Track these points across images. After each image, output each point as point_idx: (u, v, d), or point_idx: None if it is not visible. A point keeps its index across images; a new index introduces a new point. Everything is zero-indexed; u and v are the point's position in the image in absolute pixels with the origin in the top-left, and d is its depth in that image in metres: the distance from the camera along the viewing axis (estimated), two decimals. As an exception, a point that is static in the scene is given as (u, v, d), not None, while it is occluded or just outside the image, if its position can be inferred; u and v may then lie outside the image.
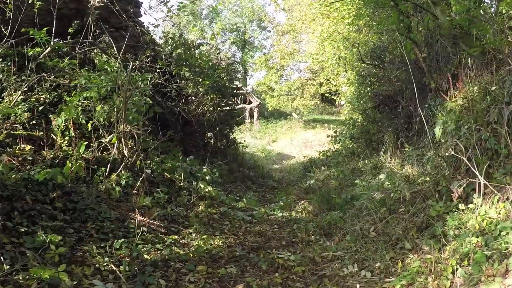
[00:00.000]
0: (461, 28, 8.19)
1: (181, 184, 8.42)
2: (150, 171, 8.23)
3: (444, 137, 8.35)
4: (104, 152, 7.95)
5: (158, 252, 5.61)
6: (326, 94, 28.48)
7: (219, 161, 12.43)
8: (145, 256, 5.36)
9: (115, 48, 9.89)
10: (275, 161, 22.48)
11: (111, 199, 6.88)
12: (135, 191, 7.24)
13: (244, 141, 16.45)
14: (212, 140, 13.35)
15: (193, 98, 11.30)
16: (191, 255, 5.58)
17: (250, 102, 37.67)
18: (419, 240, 5.66)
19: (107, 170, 7.41)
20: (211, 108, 11.84)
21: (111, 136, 7.76)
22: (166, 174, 8.51)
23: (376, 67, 12.96)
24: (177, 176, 8.50)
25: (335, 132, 16.19)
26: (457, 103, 7.27)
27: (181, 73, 10.93)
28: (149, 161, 8.37)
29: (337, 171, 11.90)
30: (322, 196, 8.95)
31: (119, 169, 7.47)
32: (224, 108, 13.25)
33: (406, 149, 10.51)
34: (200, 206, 7.88)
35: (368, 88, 13.42)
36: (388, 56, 12.19)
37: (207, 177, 9.03)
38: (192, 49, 11.13)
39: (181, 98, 10.93)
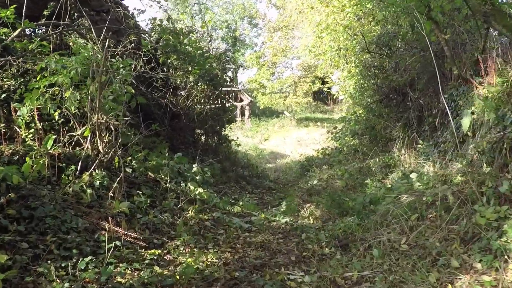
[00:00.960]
0: (492, 4, 7.04)
1: (167, 185, 7.14)
2: (130, 170, 6.95)
3: (471, 129, 7.19)
4: (76, 148, 6.66)
5: (136, 273, 4.33)
6: (325, 89, 27.08)
7: (211, 159, 11.17)
8: (118, 279, 4.09)
9: (94, 32, 8.64)
10: (268, 160, 21.21)
11: (80, 204, 5.60)
12: (111, 194, 5.96)
13: (237, 138, 15.15)
14: (202, 137, 12.06)
15: (182, 90, 10.03)
16: (178, 277, 4.31)
17: (241, 100, 36.36)
18: (467, 256, 4.43)
19: (78, 169, 6.12)
20: (202, 101, 10.56)
21: (84, 128, 6.47)
22: (149, 173, 7.22)
23: (383, 57, 11.74)
24: (163, 176, 7.22)
25: (335, 128, 14.94)
26: (495, 89, 6.07)
27: (169, 61, 9.64)
28: (129, 158, 7.08)
29: (341, 170, 10.69)
30: (332, 199, 7.68)
31: (93, 167, 6.19)
32: (215, 101, 11.97)
33: (420, 145, 9.32)
34: (190, 212, 6.62)
35: (372, 81, 12.20)
36: (398, 43, 10.97)
37: (198, 177, 7.76)
38: (181, 36, 9.84)
39: (169, 88, 9.65)
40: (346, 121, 14.43)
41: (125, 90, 7.18)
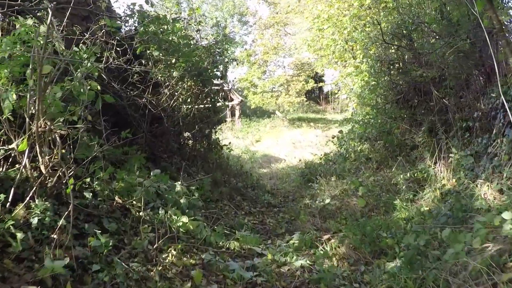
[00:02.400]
0: None
1: (140, 213, 5.22)
2: (90, 194, 5.01)
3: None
4: (12, 167, 4.71)
5: None
6: (322, 85, 24.95)
7: (199, 170, 9.28)
8: None
9: (50, 14, 6.72)
10: (262, 164, 19.32)
11: (4, 257, 3.68)
12: (55, 236, 4.05)
13: (230, 143, 13.23)
14: (190, 142, 10.15)
15: (164, 87, 8.07)
16: None
17: (231, 100, 34.40)
18: None
19: (9, 199, 4.19)
20: (188, 100, 8.61)
21: (20, 140, 4.53)
22: (117, 198, 5.29)
23: (400, 49, 9.89)
24: (135, 202, 5.30)
25: (340, 132, 13.06)
26: None
27: (148, 52, 7.70)
28: (88, 180, 5.12)
29: (354, 183, 8.82)
30: (361, 232, 5.76)
31: (29, 196, 4.26)
32: (204, 101, 10.04)
33: (454, 154, 7.49)
34: (169, 254, 4.71)
35: (387, 77, 10.33)
36: (421, 32, 9.13)
37: (182, 200, 5.83)
38: (164, 22, 7.90)
39: (148, 85, 7.72)
40: (352, 123, 12.59)
41: (89, 87, 5.28)
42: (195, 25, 9.51)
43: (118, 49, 7.74)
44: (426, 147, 8.58)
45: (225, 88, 33.18)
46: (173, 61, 7.70)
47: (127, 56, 7.66)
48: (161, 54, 7.63)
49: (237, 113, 34.19)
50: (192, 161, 9.95)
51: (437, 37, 8.41)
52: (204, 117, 10.34)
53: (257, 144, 28.27)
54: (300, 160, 16.05)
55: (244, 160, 20.35)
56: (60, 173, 4.51)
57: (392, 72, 10.31)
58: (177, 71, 7.76)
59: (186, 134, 10.00)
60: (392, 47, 9.94)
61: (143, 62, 7.79)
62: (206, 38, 10.06)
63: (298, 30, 31.14)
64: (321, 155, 15.81)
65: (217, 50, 9.85)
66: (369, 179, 9.00)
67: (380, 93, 11.20)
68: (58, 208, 4.47)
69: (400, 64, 10.00)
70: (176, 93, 8.09)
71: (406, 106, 9.94)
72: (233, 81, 41.87)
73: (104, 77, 7.29)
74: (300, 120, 34.27)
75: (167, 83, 8.00)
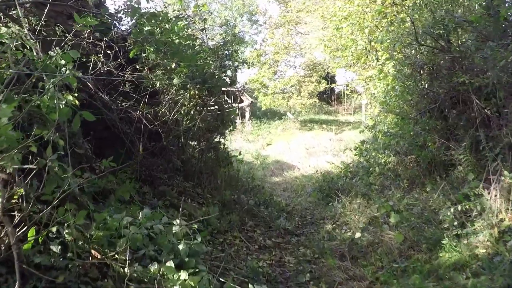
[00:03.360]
0: None
1: (125, 270, 3.98)
2: (58, 248, 3.78)
3: None
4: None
5: None
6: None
7: (205, 190, 8.06)
8: None
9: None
10: (274, 172, 18.05)
11: None
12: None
13: (240, 153, 11.96)
14: (194, 158, 8.90)
15: (163, 96, 6.81)
16: None
17: (242, 101, 33.22)
18: None
19: None
20: (192, 112, 7.32)
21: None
22: (93, 251, 4.04)
23: (434, 51, 8.55)
24: (117, 255, 4.06)
25: (362, 142, 11.71)
26: None
27: (144, 55, 6.45)
28: (55, 227, 3.87)
29: (385, 207, 7.51)
30: (405, 284, 4.49)
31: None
32: (211, 108, 8.79)
33: (505, 177, 6.15)
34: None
35: (417, 83, 9.00)
36: (467, 32, 7.77)
37: (181, 246, 4.57)
38: (163, 22, 6.66)
39: (144, 95, 6.48)
40: (373, 131, 11.28)
41: (64, 102, 4.08)
42: (199, 23, 8.12)
43: (109, 52, 6.56)
44: (469, 166, 7.25)
45: (234, 89, 32.10)
46: (173, 66, 6.43)
47: (119, 60, 6.46)
48: (158, 58, 6.37)
49: (247, 115, 32.98)
50: (198, 180, 8.73)
51: (484, 38, 7.05)
52: (212, 128, 9.12)
53: (268, 147, 27.03)
54: (316, 171, 14.72)
55: (255, 167, 19.12)
56: (10, 228, 3.27)
57: (422, 77, 8.98)
58: (178, 78, 6.50)
59: (191, 148, 8.77)
60: (423, 49, 8.61)
61: (138, 67, 6.55)
62: (213, 39, 8.68)
63: (310, 29, 29.80)
64: (341, 165, 14.53)
65: (226, 52, 8.54)
66: (401, 202, 7.68)
67: (406, 99, 9.88)
68: (9, 272, 3.25)
69: (433, 68, 8.67)
70: (176, 104, 6.82)
71: (440, 117, 8.60)
72: (243, 84, 40.73)
73: (90, 86, 6.08)
74: (312, 122, 32.96)
75: (166, 92, 6.74)
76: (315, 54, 32.57)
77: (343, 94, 37.95)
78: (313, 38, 25.07)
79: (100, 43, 6.29)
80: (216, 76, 7.53)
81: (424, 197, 7.56)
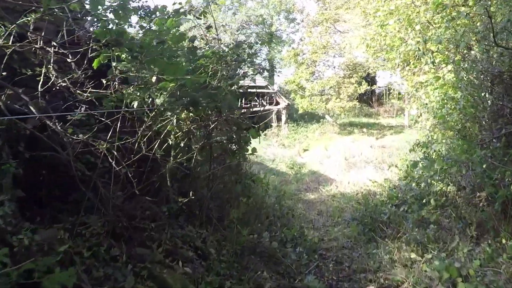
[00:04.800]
0: None
1: None
2: None
3: None
4: None
5: None
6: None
7: (208, 245, 6.14)
8: None
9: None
10: (308, 186, 15.98)
11: None
12: None
13: (265, 176, 10.00)
14: (203, 186, 7.00)
15: (137, 123, 4.85)
16: None
17: (278, 103, 31.20)
18: None
19: None
20: (182, 144, 5.28)
21: None
22: None
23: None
24: None
25: (413, 165, 9.45)
26: None
27: (114, 65, 4.52)
28: None
29: (450, 271, 5.40)
30: None
31: None
32: (227, 131, 6.88)
33: None
34: None
35: (490, 97, 6.81)
36: None
37: None
38: (134, 16, 4.75)
39: (115, 120, 4.58)
40: (429, 153, 9.09)
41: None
42: (195, 16, 5.82)
43: (69, 60, 4.72)
44: None
45: (270, 91, 30.12)
46: (153, 79, 4.48)
47: (80, 73, 4.61)
48: (133, 68, 4.45)
49: (283, 117, 30.95)
50: (207, 219, 6.86)
51: None
52: (226, 152, 7.23)
53: (305, 154, 24.97)
54: (357, 194, 12.58)
55: (289, 179, 17.12)
56: None
57: (497, 89, 6.79)
58: (161, 97, 4.55)
59: (197, 180, 6.86)
60: (504, 52, 6.41)
61: (104, 82, 4.66)
62: (219, 39, 6.49)
63: (349, 27, 27.50)
64: (384, 184, 12.39)
65: (243, 56, 6.40)
66: (470, 263, 5.55)
67: (471, 115, 7.70)
68: None
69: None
70: (159, 133, 4.86)
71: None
72: (278, 84, 38.56)
73: (34, 110, 4.26)
74: (352, 125, 30.66)
75: (141, 119, 4.80)
76: (356, 53, 30.30)
77: (384, 95, 35.41)
78: (353, 37, 22.74)
79: (49, 48, 4.46)
80: (225, 92, 5.51)
81: (501, 256, 5.42)
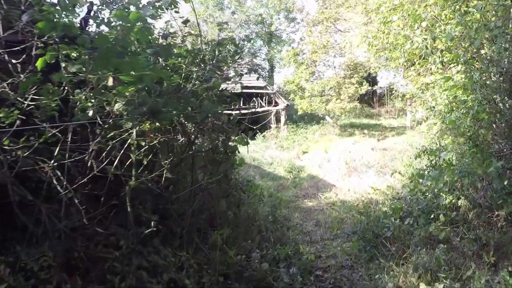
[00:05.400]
0: None
1: None
2: None
3: None
4: None
5: None
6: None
7: (184, 276, 5.30)
8: None
9: None
10: (307, 193, 15.09)
11: None
12: None
13: (257, 187, 9.14)
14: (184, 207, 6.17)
15: (92, 135, 3.97)
16: None
17: (277, 104, 30.33)
18: None
19: None
20: (145, 161, 4.36)
21: None
22: None
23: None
24: None
25: (419, 175, 8.51)
26: None
27: (64, 64, 3.67)
28: None
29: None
30: None
31: None
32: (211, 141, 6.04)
33: None
34: None
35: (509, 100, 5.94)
36: None
37: None
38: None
39: (65, 133, 3.73)
40: (437, 162, 8.23)
41: None
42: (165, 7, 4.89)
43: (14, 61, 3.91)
44: None
45: (269, 91, 29.26)
46: (109, 82, 3.62)
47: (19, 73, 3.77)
48: (84, 68, 3.58)
49: (282, 119, 30.06)
50: (188, 239, 6.04)
51: None
52: (211, 163, 6.39)
53: (304, 156, 24.08)
54: (357, 205, 11.67)
55: (286, 184, 16.26)
56: None
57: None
58: (118, 102, 3.68)
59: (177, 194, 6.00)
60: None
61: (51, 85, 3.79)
62: (200, 35, 5.51)
63: (350, 26, 26.59)
64: (387, 191, 11.54)
65: (221, 55, 5.45)
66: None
67: (485, 120, 6.84)
68: None
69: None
70: (113, 149, 3.98)
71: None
72: (277, 84, 37.59)
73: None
74: (353, 126, 29.79)
75: (98, 128, 3.92)
76: (357, 53, 29.45)
77: (386, 96, 34.53)
78: (354, 35, 21.83)
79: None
80: (201, 97, 4.62)
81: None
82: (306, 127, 30.74)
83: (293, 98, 29.83)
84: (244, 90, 28.97)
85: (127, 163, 4.31)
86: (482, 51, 7.05)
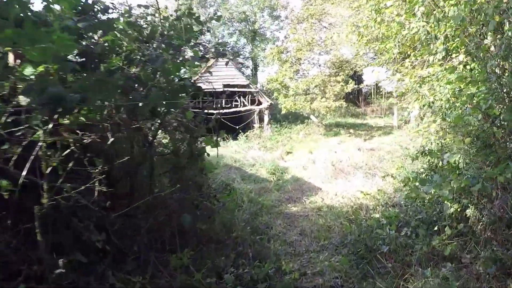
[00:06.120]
0: None
1: None
2: None
3: None
4: None
5: None
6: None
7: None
8: None
9: None
10: (291, 197, 13.95)
11: None
12: None
13: (241, 196, 7.98)
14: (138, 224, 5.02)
15: None
16: None
17: (260, 103, 29.20)
18: None
19: None
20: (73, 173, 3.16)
21: None
22: None
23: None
24: None
25: (419, 180, 7.40)
26: None
27: None
28: None
29: None
30: None
31: None
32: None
33: None
34: None
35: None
36: None
37: None
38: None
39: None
40: (438, 164, 7.18)
41: None
42: None
43: None
44: None
45: (252, 90, 28.12)
46: (10, 59, 2.45)
47: None
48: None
49: (266, 118, 28.93)
50: (145, 261, 4.91)
51: None
52: (174, 169, 5.24)
53: (288, 157, 22.97)
54: (347, 212, 10.54)
55: (269, 188, 15.12)
56: None
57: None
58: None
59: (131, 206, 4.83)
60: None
61: None
62: (158, 8, 4.29)
63: (336, 21, 25.55)
64: (378, 196, 10.51)
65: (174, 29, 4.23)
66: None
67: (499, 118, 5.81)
68: None
69: None
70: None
71: None
72: (261, 83, 36.40)
73: None
74: (338, 126, 28.80)
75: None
76: (342, 51, 28.48)
77: (372, 94, 33.60)
78: (341, 30, 20.72)
79: None
80: (150, 84, 3.44)
81: None
82: (290, 127, 29.64)
83: (276, 97, 28.71)
84: (226, 89, 27.89)
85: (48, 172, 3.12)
86: (488, 40, 5.99)
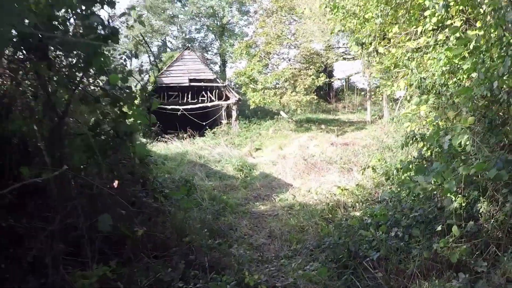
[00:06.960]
0: None
1: None
2: None
3: None
4: None
5: None
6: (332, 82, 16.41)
7: None
8: None
9: None
10: (259, 195, 12.52)
11: None
12: None
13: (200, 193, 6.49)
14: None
15: None
16: None
17: (228, 98, 27.66)
18: None
19: None
20: None
21: None
22: None
23: None
24: None
25: (420, 170, 6.03)
26: None
27: None
28: None
29: None
30: None
31: None
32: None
33: None
34: None
35: None
36: None
37: None
38: None
39: None
40: (433, 153, 5.87)
41: None
42: None
43: None
44: None
45: (219, 85, 26.61)
46: None
47: None
48: None
49: (234, 114, 27.42)
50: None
51: None
52: (92, 150, 3.74)
53: (257, 153, 21.56)
54: (323, 209, 9.15)
55: (235, 185, 13.66)
56: None
57: None
58: None
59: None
60: None
61: None
62: None
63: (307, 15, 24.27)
64: (356, 191, 9.23)
65: None
66: None
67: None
68: None
69: None
70: None
71: None
72: (228, 79, 34.88)
73: None
74: (309, 121, 27.52)
75: None
76: (313, 45, 27.24)
77: (345, 89, 32.56)
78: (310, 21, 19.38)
79: None
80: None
81: None
82: (260, 123, 28.20)
83: (244, 91, 27.18)
84: (192, 84, 26.37)
85: None
86: None
